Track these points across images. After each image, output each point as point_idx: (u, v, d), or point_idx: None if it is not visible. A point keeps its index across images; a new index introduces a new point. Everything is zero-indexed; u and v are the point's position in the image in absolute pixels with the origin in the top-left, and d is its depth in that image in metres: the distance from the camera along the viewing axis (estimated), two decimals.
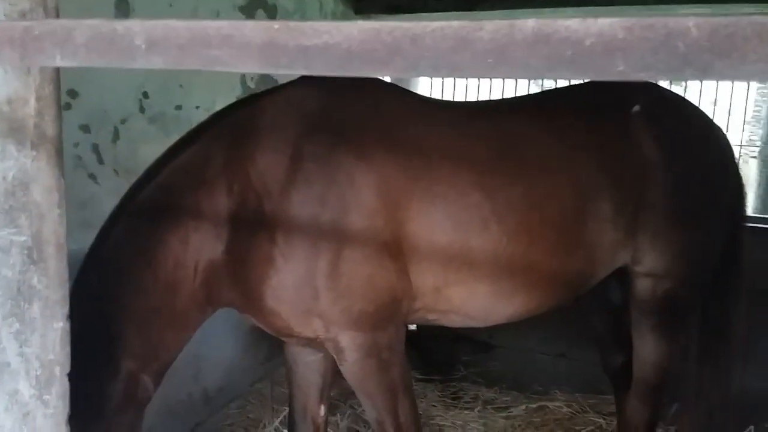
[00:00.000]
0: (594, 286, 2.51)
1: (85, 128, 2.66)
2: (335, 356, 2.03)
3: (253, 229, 1.89)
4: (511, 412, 3.72)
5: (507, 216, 2.02)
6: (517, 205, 2.04)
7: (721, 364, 2.55)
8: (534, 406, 3.76)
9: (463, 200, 2.00)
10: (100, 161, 2.73)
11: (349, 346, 1.96)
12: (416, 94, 2.35)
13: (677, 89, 4.86)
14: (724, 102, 5.10)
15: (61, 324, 1.37)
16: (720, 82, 5.06)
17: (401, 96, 2.22)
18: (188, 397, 3.47)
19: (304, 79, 2.19)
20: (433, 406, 3.79)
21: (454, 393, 4.03)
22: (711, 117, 2.55)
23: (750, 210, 6.60)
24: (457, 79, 5.74)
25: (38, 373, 1.33)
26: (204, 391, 3.60)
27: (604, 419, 3.49)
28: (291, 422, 2.40)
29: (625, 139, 2.22)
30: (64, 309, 1.38)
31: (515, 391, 3.99)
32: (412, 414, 2.07)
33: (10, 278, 1.24)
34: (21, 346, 1.30)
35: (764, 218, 5.11)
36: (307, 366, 2.33)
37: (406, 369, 2.07)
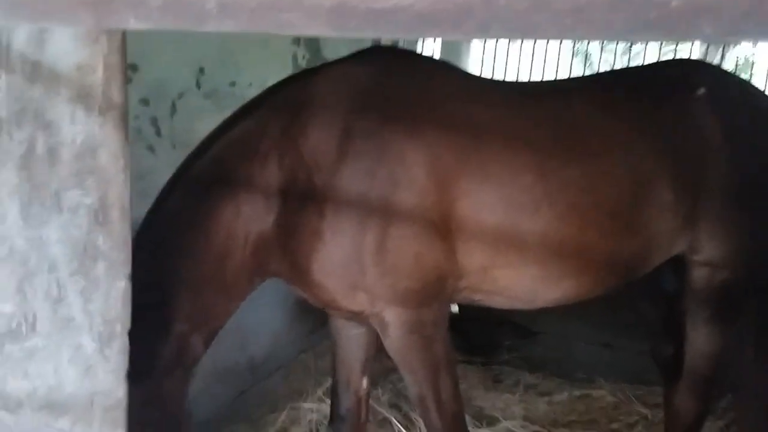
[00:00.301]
0: (649, 274, 2.45)
1: (145, 101, 2.74)
2: (379, 331, 2.06)
3: (302, 202, 1.92)
4: (554, 398, 3.68)
5: (559, 199, 1.99)
6: (570, 188, 2.00)
7: None
8: (577, 393, 3.71)
9: (514, 181, 1.98)
10: (158, 134, 2.82)
11: (394, 322, 1.98)
12: (469, 73, 2.32)
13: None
14: None
15: (123, 283, 1.44)
16: None
17: (454, 74, 2.20)
18: (234, 365, 3.58)
19: (357, 56, 2.20)
20: (473, 388, 3.78)
21: (496, 376, 4.02)
22: None
23: None
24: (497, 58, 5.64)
25: (101, 329, 1.40)
26: (250, 360, 3.70)
27: (650, 410, 3.41)
28: (334, 393, 2.45)
29: (687, 123, 2.14)
30: (126, 269, 1.44)
31: (558, 378, 3.95)
32: (453, 391, 2.08)
33: (77, 238, 1.31)
34: (86, 303, 1.37)
35: None
36: (351, 339, 2.37)
37: (449, 346, 2.08)
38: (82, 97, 1.32)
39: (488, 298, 2.20)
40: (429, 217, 1.93)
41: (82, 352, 1.40)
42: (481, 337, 4.63)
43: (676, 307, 2.47)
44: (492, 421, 3.22)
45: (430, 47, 6.30)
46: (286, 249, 1.97)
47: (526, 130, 2.04)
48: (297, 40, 3.74)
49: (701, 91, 2.17)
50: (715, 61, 6.30)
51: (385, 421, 3.05)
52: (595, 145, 2.07)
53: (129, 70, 2.62)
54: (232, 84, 3.15)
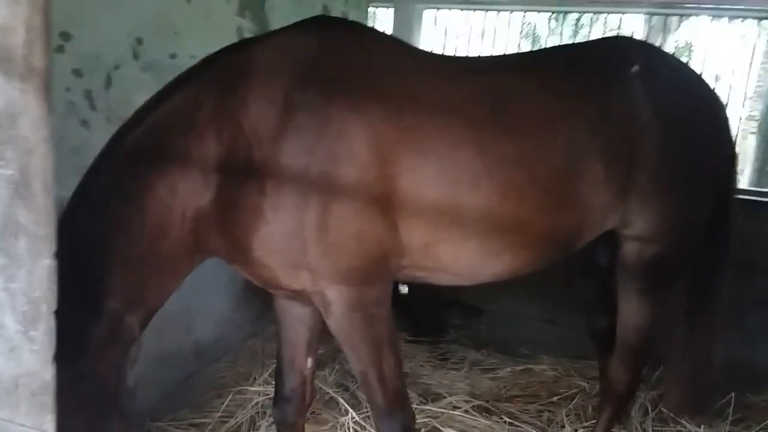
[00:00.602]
0: (581, 249, 2.52)
1: (78, 73, 2.61)
2: (322, 310, 2.04)
3: (242, 177, 1.87)
4: (497, 373, 3.78)
5: (497, 173, 2.01)
6: (508, 163, 2.03)
7: (705, 329, 2.58)
8: (520, 368, 3.82)
9: (454, 156, 1.99)
10: (93, 107, 2.69)
11: (336, 300, 1.97)
12: (414, 47, 2.31)
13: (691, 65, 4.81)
14: (726, 77, 5.04)
15: (48, 261, 1.37)
16: (723, 56, 4.99)
17: (398, 48, 2.18)
18: (179, 349, 3.50)
19: (299, 25, 2.15)
20: (421, 366, 3.84)
21: (442, 355, 4.09)
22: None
23: (747, 183, 6.62)
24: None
25: (24, 309, 1.34)
26: (195, 344, 3.63)
27: (588, 383, 3.55)
28: (278, 374, 2.42)
29: (620, 99, 2.19)
30: (51, 246, 1.37)
31: (503, 355, 4.06)
32: (396, 368, 2.09)
33: None
34: (7, 282, 1.30)
35: (760, 192, 5.14)
36: (296, 319, 2.35)
37: (392, 324, 2.09)
38: (1, 61, 1.23)
39: (431, 275, 2.21)
40: (370, 194, 1.92)
41: (4, 333, 1.33)
42: (429, 316, 4.69)
43: (610, 281, 2.56)
44: (437, 398, 3.27)
45: (383, 22, 6.27)
46: (226, 226, 1.92)
47: (466, 105, 2.04)
48: (242, 12, 3.64)
49: (635, 68, 2.22)
50: (657, 42, 6.50)
51: (332, 401, 3.06)
52: (531, 121, 2.09)
53: (61, 38, 2.51)
54: (173, 56, 3.04)
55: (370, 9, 6.10)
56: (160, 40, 3.00)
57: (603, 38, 2.94)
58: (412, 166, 1.96)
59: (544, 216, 2.11)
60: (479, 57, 2.63)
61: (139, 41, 2.89)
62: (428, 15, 6.15)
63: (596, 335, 2.96)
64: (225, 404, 2.99)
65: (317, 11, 4.54)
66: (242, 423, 2.92)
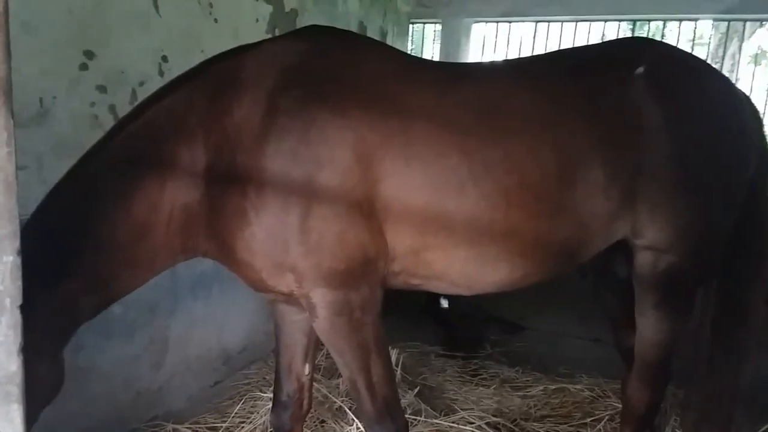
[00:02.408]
0: (602, 260, 2.38)
1: (102, 89, 2.77)
2: (309, 313, 2.03)
3: (226, 181, 1.91)
4: (529, 391, 3.61)
5: (484, 179, 1.94)
6: (495, 169, 1.95)
7: (734, 345, 2.35)
8: (554, 387, 3.63)
9: (439, 162, 1.94)
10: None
11: (320, 303, 1.96)
12: (401, 52, 2.28)
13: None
14: None
15: (11, 258, 1.42)
16: None
17: (384, 53, 2.16)
18: (207, 356, 3.60)
19: (292, 34, 2.19)
20: (448, 381, 3.74)
21: (474, 370, 3.97)
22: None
23: None
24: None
25: None
26: (224, 351, 3.72)
27: None
28: (276, 380, 2.43)
29: (623, 103, 2.06)
30: (14, 244, 1.43)
31: (539, 373, 3.88)
32: (385, 375, 2.04)
33: None
34: None
35: None
36: (294, 325, 2.35)
37: (380, 330, 2.04)
38: None
39: (427, 282, 2.16)
40: (353, 197, 1.90)
41: None
42: (466, 331, 4.58)
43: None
44: (452, 412, 3.16)
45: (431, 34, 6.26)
46: (213, 228, 1.96)
47: (453, 111, 2.00)
48: (272, 29, 3.75)
49: (639, 69, 2.08)
50: (727, 51, 6.10)
51: (341, 411, 3.03)
52: (519, 125, 2.01)
53: (84, 56, 2.68)
54: None
55: (415, 26, 6.15)
56: (186, 57, 3.12)
57: (616, 39, 2.78)
58: (395, 170, 1.93)
59: (538, 223, 2.01)
60: (478, 62, 2.56)
61: (165, 59, 3.03)
62: (477, 29, 6.10)
63: (624, 352, 2.78)
64: (239, 408, 3.02)
65: (352, 27, 4.62)
66: (256, 427, 2.95)
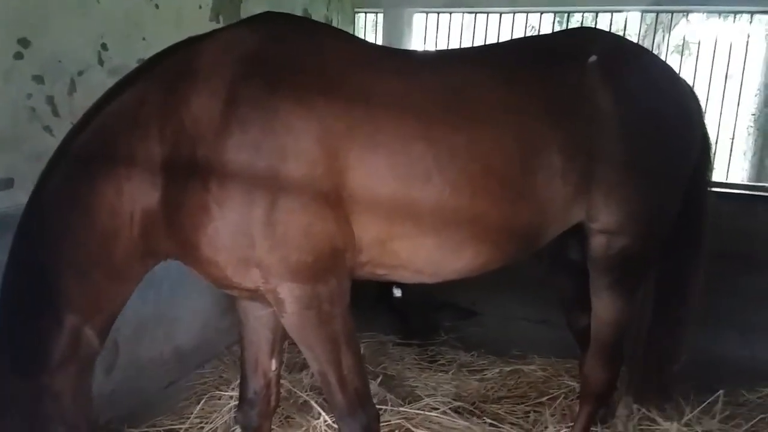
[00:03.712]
0: (555, 244, 2.45)
1: (39, 79, 2.60)
2: (276, 309, 1.99)
3: (187, 175, 1.84)
4: (485, 374, 3.70)
5: (449, 166, 1.95)
6: (460, 156, 1.97)
7: (674, 319, 2.50)
8: (508, 369, 3.74)
9: (405, 150, 1.94)
10: (56, 113, 2.68)
11: (288, 298, 1.92)
12: (364, 40, 2.27)
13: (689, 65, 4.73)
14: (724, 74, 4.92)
15: None
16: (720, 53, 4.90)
17: (347, 41, 2.14)
18: (159, 356, 3.47)
19: (246, 21, 2.12)
20: (408, 368, 3.78)
21: (431, 357, 4.02)
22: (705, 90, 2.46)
23: (745, 179, 6.47)
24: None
25: None
26: (176, 351, 3.60)
27: (578, 383, 3.43)
28: (242, 377, 2.38)
29: (577, 90, 2.13)
30: None
31: (493, 356, 3.97)
32: (355, 367, 2.03)
33: None
34: None
35: (757, 186, 5.02)
36: (258, 320, 2.30)
37: (350, 321, 2.03)
38: None
39: (392, 272, 2.15)
40: (319, 188, 1.87)
41: None
42: (420, 319, 4.62)
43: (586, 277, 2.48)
44: (418, 400, 3.19)
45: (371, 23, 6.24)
46: (174, 226, 1.89)
47: (417, 99, 1.99)
48: (216, 16, 3.63)
49: (592, 57, 2.15)
50: (654, 41, 6.41)
51: (306, 405, 3.00)
52: (483, 113, 2.04)
53: (19, 44, 2.50)
54: (141, 61, 3.02)
55: (359, 15, 6.09)
56: (127, 45, 2.99)
57: (568, 29, 2.88)
58: (361, 160, 1.91)
59: (501, 209, 2.05)
60: (437, 51, 2.58)
61: (104, 47, 2.88)
62: (419, 19, 6.11)
63: (577, 333, 2.88)
64: (199, 408, 2.94)
65: (297, 14, 4.53)
66: (217, 428, 2.88)
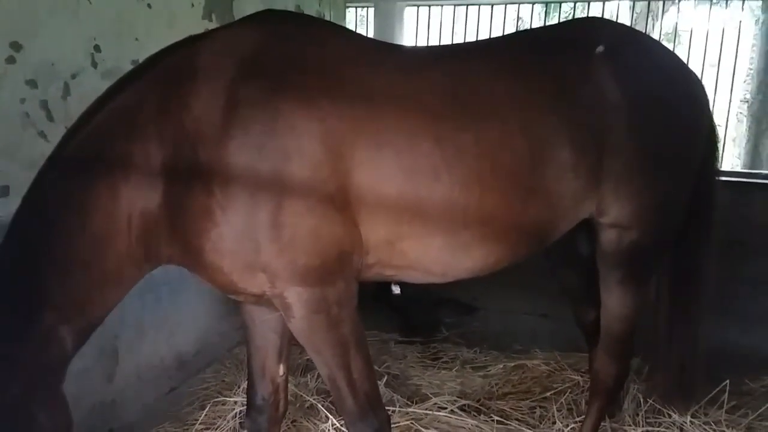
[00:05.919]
0: (563, 240, 2.42)
1: (32, 83, 2.54)
2: (283, 313, 1.96)
3: (188, 179, 1.79)
4: (489, 371, 3.68)
5: (457, 164, 1.92)
6: (468, 153, 1.93)
7: (689, 315, 2.48)
8: (512, 364, 3.72)
9: (411, 149, 1.90)
10: (50, 118, 2.62)
11: (296, 302, 1.89)
12: (367, 37, 2.22)
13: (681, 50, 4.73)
14: (715, 61, 4.93)
15: None
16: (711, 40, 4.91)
17: (349, 39, 2.10)
18: (160, 362, 3.43)
19: (245, 20, 2.07)
20: (411, 367, 3.75)
21: (434, 354, 4.00)
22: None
23: (740, 165, 6.49)
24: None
25: None
26: (177, 356, 3.55)
27: (581, 377, 3.44)
28: (250, 383, 2.34)
29: (586, 82, 2.09)
30: None
31: (496, 351, 3.96)
32: (365, 370, 2.00)
33: None
34: None
35: (752, 173, 5.03)
36: (265, 324, 2.26)
37: (359, 324, 1.99)
38: None
39: (401, 273, 2.12)
40: (325, 190, 1.83)
41: None
42: (420, 316, 4.60)
43: (595, 271, 2.46)
44: (425, 399, 3.17)
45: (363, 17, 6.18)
46: (176, 231, 1.84)
47: (422, 96, 1.96)
48: (209, 15, 3.57)
49: (599, 48, 2.12)
50: (643, 29, 6.41)
51: (312, 408, 2.96)
52: (490, 108, 2.00)
53: (11, 48, 2.44)
54: (135, 63, 2.96)
55: (351, 9, 6.04)
56: (120, 46, 2.93)
57: (573, 20, 2.85)
58: (366, 160, 1.87)
59: (511, 207, 2.02)
60: (440, 46, 2.53)
61: (97, 48, 2.82)
62: (410, 12, 6.06)
63: (585, 327, 2.87)
64: (204, 414, 2.90)
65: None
66: None
